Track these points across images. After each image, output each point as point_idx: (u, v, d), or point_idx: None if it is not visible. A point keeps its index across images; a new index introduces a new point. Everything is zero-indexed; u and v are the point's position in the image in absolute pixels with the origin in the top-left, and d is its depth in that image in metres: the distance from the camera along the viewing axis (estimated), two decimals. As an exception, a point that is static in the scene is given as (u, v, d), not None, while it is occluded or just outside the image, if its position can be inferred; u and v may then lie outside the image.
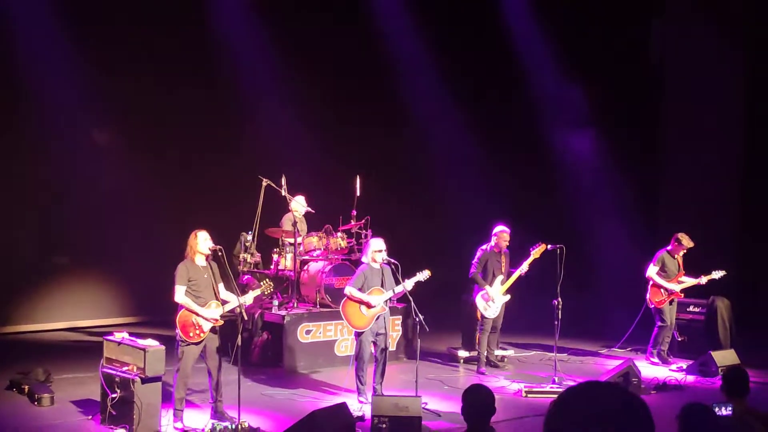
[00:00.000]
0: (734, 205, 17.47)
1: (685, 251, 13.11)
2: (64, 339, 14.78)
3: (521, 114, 18.54)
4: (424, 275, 10.62)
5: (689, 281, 13.18)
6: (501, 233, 12.43)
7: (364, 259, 10.83)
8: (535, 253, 12.17)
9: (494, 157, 18.27)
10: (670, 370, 12.66)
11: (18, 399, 10.49)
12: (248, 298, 9.84)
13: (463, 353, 13.30)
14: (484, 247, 12.57)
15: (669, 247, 13.17)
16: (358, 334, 10.65)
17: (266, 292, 10.24)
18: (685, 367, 12.59)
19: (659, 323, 13.16)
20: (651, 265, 13.14)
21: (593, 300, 16.21)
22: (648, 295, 13.17)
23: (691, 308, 13.97)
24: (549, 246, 11.83)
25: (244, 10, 16.27)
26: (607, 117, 18.20)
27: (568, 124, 18.75)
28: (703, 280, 13.17)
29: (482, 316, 12.48)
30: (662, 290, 13.08)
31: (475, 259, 12.52)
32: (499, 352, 13.04)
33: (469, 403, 5.70)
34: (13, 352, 13.36)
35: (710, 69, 17.40)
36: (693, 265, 13.27)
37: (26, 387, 10.60)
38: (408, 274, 10.59)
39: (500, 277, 12.39)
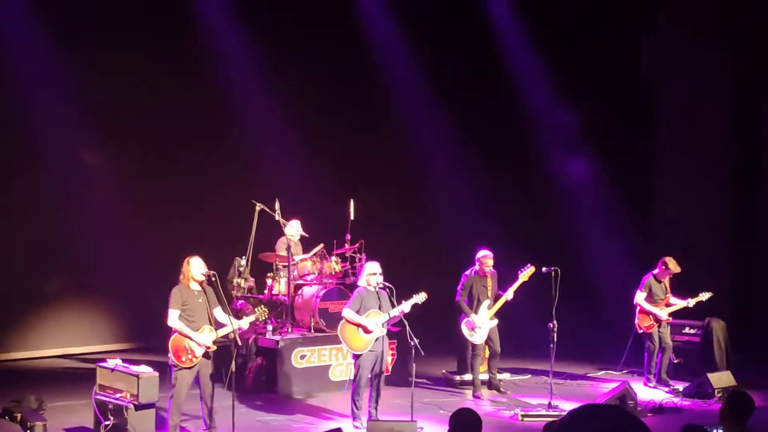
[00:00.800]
0: (728, 223, 17.46)
1: (671, 276, 13.08)
2: (56, 366, 14.68)
3: (515, 135, 18.53)
4: (420, 297, 10.60)
5: (678, 303, 13.15)
6: (483, 258, 12.41)
7: (360, 282, 10.82)
8: (524, 276, 12.12)
9: (488, 180, 18.25)
10: (665, 392, 12.63)
11: (10, 428, 10.35)
12: (244, 323, 9.80)
13: (458, 377, 13.25)
14: (467, 272, 12.56)
15: (655, 271, 13.13)
16: (356, 357, 10.59)
17: (260, 318, 10.21)
18: (681, 389, 12.54)
19: (647, 349, 13.13)
20: (638, 291, 13.11)
21: (588, 322, 16.17)
22: (636, 320, 13.15)
23: (686, 330, 13.94)
24: (544, 269, 11.78)
25: (236, 29, 16.25)
26: (598, 134, 18.20)
27: (560, 144, 18.75)
28: (691, 302, 13.16)
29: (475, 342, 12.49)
30: (650, 316, 13.06)
31: (460, 285, 12.53)
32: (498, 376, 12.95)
33: (455, 427, 5.67)
34: (5, 379, 13.25)
35: (700, 83, 17.42)
36: (688, 284, 13.25)
37: (19, 415, 10.48)
38: (403, 297, 10.56)
39: (486, 302, 12.36)
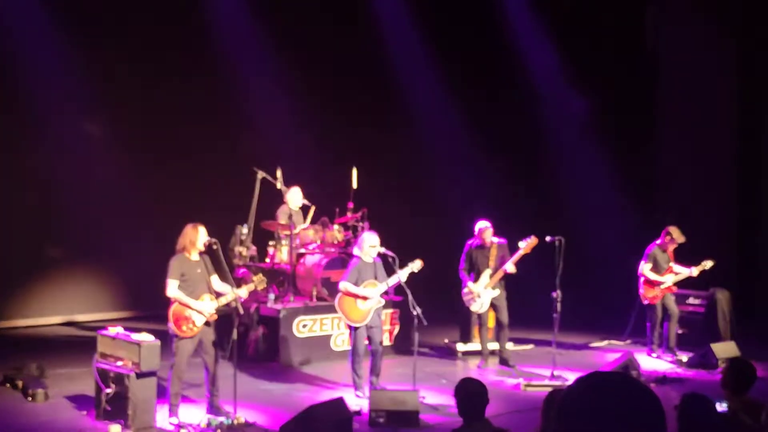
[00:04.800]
0: (732, 195, 17.40)
1: (676, 246, 13.00)
2: (57, 334, 14.69)
3: (516, 106, 18.44)
4: (416, 265, 10.58)
5: (681, 272, 13.08)
6: (480, 230, 12.35)
7: (356, 252, 10.76)
8: (525, 247, 12.01)
9: (490, 150, 18.16)
10: (668, 362, 12.62)
11: (12, 395, 10.42)
12: (243, 292, 9.75)
13: (461, 347, 13.23)
14: (470, 242, 12.51)
15: (659, 242, 13.07)
16: (353, 328, 10.56)
17: (259, 287, 10.16)
18: (685, 359, 12.53)
19: (650, 319, 13.11)
20: (643, 262, 13.05)
21: (592, 292, 16.14)
22: (641, 291, 13.09)
23: (691, 300, 13.92)
24: (548, 238, 11.71)
25: (238, 2, 16.15)
26: (602, 108, 18.07)
27: (563, 115, 18.63)
28: (695, 271, 13.09)
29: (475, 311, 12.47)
30: (655, 287, 13.00)
31: (462, 255, 12.49)
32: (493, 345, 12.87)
33: (461, 398, 5.65)
34: (6, 347, 13.25)
35: (704, 57, 17.30)
36: (690, 256, 13.19)
37: (20, 382, 10.53)
38: (403, 265, 10.52)
39: (487, 272, 12.29)
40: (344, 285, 10.53)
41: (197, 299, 9.25)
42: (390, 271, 10.53)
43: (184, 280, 9.26)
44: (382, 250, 10.54)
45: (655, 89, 18.32)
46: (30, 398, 10.14)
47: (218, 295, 9.42)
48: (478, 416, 5.57)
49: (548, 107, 18.54)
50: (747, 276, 16.43)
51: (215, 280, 9.48)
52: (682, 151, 17.68)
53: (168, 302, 9.33)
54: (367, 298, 10.43)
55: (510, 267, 12.09)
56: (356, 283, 10.47)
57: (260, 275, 10.38)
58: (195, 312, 9.22)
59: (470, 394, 5.65)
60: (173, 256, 9.35)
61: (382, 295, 10.70)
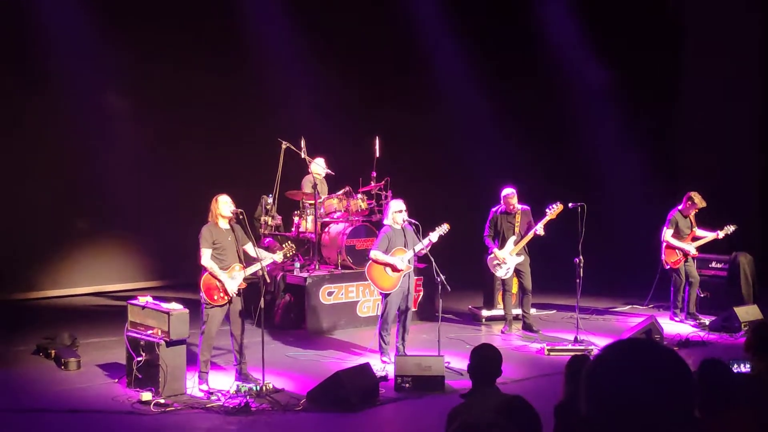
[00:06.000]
0: (755, 159, 17.31)
1: (697, 210, 12.99)
2: (88, 304, 14.91)
3: (539, 75, 18.41)
4: (443, 229, 10.66)
5: (707, 236, 13.09)
6: (505, 197, 12.37)
7: (385, 222, 10.85)
8: (552, 213, 12.01)
9: (513, 118, 18.16)
10: (691, 326, 12.68)
11: (45, 363, 10.61)
12: (278, 257, 9.92)
13: (485, 312, 13.33)
14: (494, 208, 12.56)
15: (681, 207, 13.05)
16: (385, 295, 10.67)
17: (288, 255, 10.29)
18: (707, 323, 12.58)
19: (673, 283, 13.14)
20: (665, 228, 13.05)
21: (614, 258, 16.18)
22: (663, 257, 13.12)
23: (713, 264, 13.93)
24: (570, 204, 11.74)
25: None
26: (623, 74, 17.99)
27: (586, 83, 18.57)
28: (720, 234, 13.08)
29: (500, 277, 12.55)
30: (677, 251, 13.03)
31: (487, 221, 12.54)
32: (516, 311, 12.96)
33: (475, 361, 5.69)
34: (38, 317, 13.49)
35: (729, 16, 17.17)
36: (713, 221, 13.19)
37: (53, 351, 10.71)
38: (428, 232, 10.61)
39: (513, 238, 12.34)
40: (374, 253, 10.63)
41: (227, 268, 9.38)
42: (419, 238, 10.59)
43: (215, 248, 9.39)
44: (406, 216, 10.62)
45: (679, 54, 18.21)
46: (63, 367, 10.31)
47: (247, 264, 9.56)
48: (488, 382, 5.59)
49: (571, 75, 18.49)
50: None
51: (249, 248, 9.60)
52: (705, 117, 17.60)
53: (198, 271, 9.48)
54: (396, 269, 10.53)
55: (540, 229, 12.10)
56: (387, 251, 10.55)
57: (289, 242, 10.51)
58: (225, 281, 9.36)
59: (484, 358, 5.67)
60: (204, 226, 9.48)
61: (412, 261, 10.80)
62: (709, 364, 5.14)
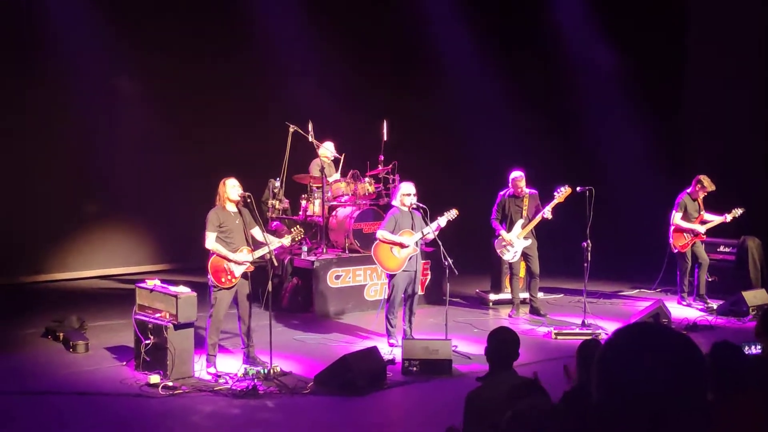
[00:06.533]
0: (763, 142, 17.24)
1: (706, 194, 12.96)
2: (96, 287, 14.96)
3: (548, 59, 18.35)
4: (452, 214, 10.65)
5: (714, 219, 13.06)
6: (514, 180, 12.34)
7: (394, 203, 10.86)
8: (560, 196, 11.98)
9: (520, 102, 18.10)
10: (698, 310, 12.68)
11: (54, 346, 10.65)
12: (286, 240, 9.96)
13: (492, 296, 13.34)
14: (502, 192, 12.54)
15: (689, 190, 13.02)
16: (390, 276, 10.68)
17: (297, 238, 10.31)
18: (715, 307, 12.57)
19: (680, 267, 13.13)
20: (674, 212, 13.02)
21: (621, 242, 16.15)
22: (671, 240, 13.09)
23: (721, 248, 13.91)
24: (578, 188, 11.72)
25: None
26: (631, 58, 17.91)
27: (594, 67, 18.50)
28: (728, 217, 13.04)
29: (507, 261, 12.54)
30: (685, 234, 13.00)
31: (495, 205, 12.53)
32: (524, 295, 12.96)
33: (492, 345, 5.69)
34: (47, 300, 13.55)
35: (736, 6, 17.09)
36: (721, 205, 13.15)
37: (61, 334, 10.75)
38: (438, 215, 10.61)
39: (520, 221, 12.32)
40: (381, 233, 10.65)
41: (235, 251, 9.40)
42: (427, 222, 10.59)
43: (222, 231, 9.40)
44: (415, 200, 10.63)
45: (686, 37, 18.12)
46: (71, 350, 10.35)
47: (257, 247, 9.56)
48: (506, 365, 5.59)
49: (578, 60, 18.43)
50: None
51: (257, 232, 9.60)
52: (712, 101, 17.52)
53: (206, 254, 9.49)
54: (404, 246, 10.54)
55: (548, 212, 12.07)
56: (393, 232, 10.57)
57: (298, 226, 10.52)
58: (233, 263, 9.38)
59: (501, 341, 5.67)
60: (211, 209, 9.49)
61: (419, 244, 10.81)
62: (722, 346, 5.13)
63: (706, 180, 12.85)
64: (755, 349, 6.41)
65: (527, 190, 12.37)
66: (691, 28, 18.04)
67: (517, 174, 12.38)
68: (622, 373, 2.31)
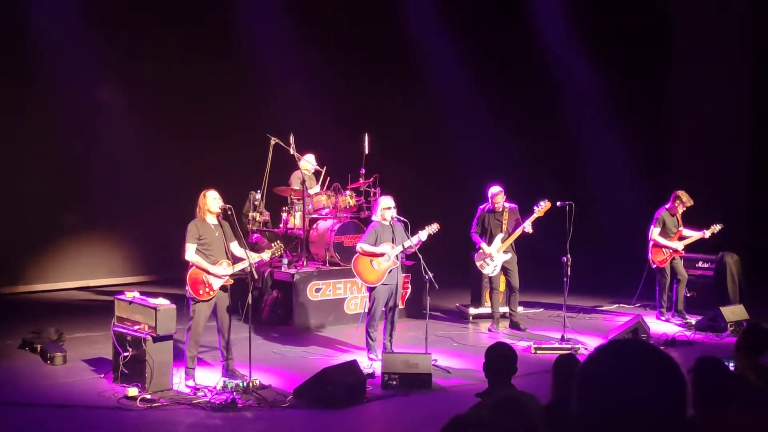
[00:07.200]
0: (742, 160, 17.38)
1: (685, 209, 13.03)
2: (75, 298, 14.88)
3: (529, 74, 18.43)
4: (433, 228, 10.67)
5: (693, 235, 13.13)
6: (493, 195, 12.35)
7: (374, 218, 10.87)
8: (539, 211, 12.00)
9: (501, 116, 18.17)
10: (677, 325, 12.73)
11: (31, 358, 10.58)
12: (266, 255, 9.98)
13: (472, 310, 13.35)
14: (482, 206, 12.56)
15: (668, 206, 13.09)
16: (370, 289, 10.68)
17: (277, 253, 10.30)
18: (693, 323, 12.62)
19: (659, 283, 13.18)
20: (652, 227, 13.08)
21: (600, 257, 16.20)
22: (650, 255, 13.15)
23: (700, 264, 13.97)
24: (558, 203, 11.76)
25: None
26: (612, 75, 18.00)
27: (576, 82, 18.59)
28: (707, 234, 13.11)
29: (487, 275, 12.55)
30: (664, 249, 13.06)
31: (474, 219, 12.55)
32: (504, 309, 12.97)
33: (490, 360, 5.67)
34: (24, 311, 13.48)
35: (718, 17, 17.23)
36: (699, 221, 13.22)
37: (38, 346, 10.68)
38: (418, 230, 10.62)
39: (500, 236, 12.33)
40: (361, 245, 10.65)
41: (215, 264, 9.38)
42: (408, 236, 10.60)
43: (201, 243, 9.37)
44: (395, 213, 10.64)
45: (667, 54, 18.24)
46: (48, 361, 10.29)
47: (236, 260, 9.54)
48: (504, 381, 5.58)
49: (561, 74, 18.52)
50: (756, 239, 16.44)
51: (235, 247, 9.58)
52: (693, 117, 17.66)
53: (185, 266, 9.46)
54: (384, 256, 10.53)
55: (528, 227, 12.09)
56: (374, 246, 10.58)
57: (278, 242, 10.49)
58: (211, 276, 9.35)
59: (499, 357, 5.65)
60: (191, 221, 9.46)
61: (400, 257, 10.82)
62: (706, 362, 5.14)
63: (684, 195, 12.91)
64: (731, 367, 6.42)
65: (506, 205, 12.39)
66: (674, 44, 18.15)
67: (495, 189, 12.40)
68: (602, 390, 2.32)
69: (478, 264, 12.51)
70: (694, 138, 17.58)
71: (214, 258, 9.40)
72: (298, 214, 13.23)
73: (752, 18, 17.28)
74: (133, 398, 8.78)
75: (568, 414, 2.38)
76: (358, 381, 9.22)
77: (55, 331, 11.19)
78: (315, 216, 13.43)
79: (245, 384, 9.10)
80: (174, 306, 9.32)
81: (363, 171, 13.55)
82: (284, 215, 13.48)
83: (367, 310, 10.92)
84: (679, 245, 13.05)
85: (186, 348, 9.44)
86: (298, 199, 13.18)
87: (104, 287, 15.22)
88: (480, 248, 12.40)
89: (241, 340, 9.88)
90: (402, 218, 10.63)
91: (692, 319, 12.78)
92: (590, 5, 17.88)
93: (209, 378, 9.54)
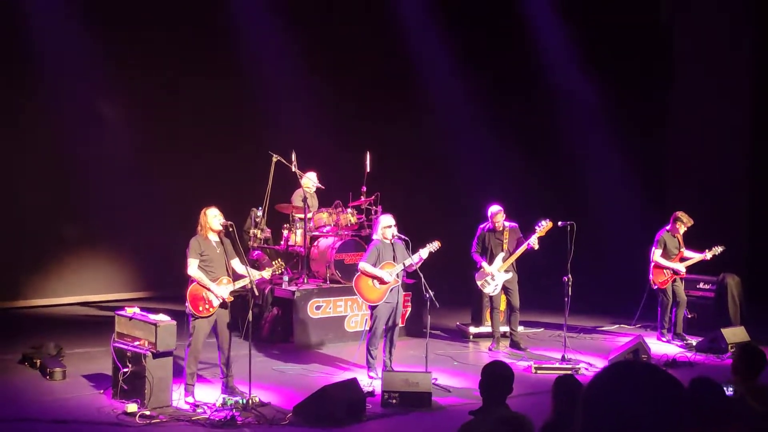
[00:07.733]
0: (743, 179, 17.38)
1: (685, 229, 13.04)
2: (75, 314, 14.85)
3: (529, 92, 18.46)
4: (434, 246, 10.68)
5: (694, 257, 13.13)
6: (492, 215, 12.35)
7: (375, 236, 10.87)
8: (540, 230, 11.99)
9: (502, 135, 18.18)
10: (678, 346, 12.71)
11: (30, 373, 10.56)
12: (267, 274, 9.99)
13: (473, 329, 13.33)
14: (482, 225, 12.56)
15: (668, 227, 13.11)
16: (372, 308, 10.67)
17: (277, 271, 10.30)
18: (694, 344, 12.60)
19: (660, 303, 13.17)
20: (653, 248, 13.07)
21: (601, 277, 16.18)
22: (651, 277, 13.14)
23: (701, 285, 13.95)
24: (560, 222, 11.75)
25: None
26: (613, 92, 17.99)
27: (576, 100, 18.61)
28: (708, 255, 13.11)
29: (488, 294, 12.54)
30: (665, 270, 13.05)
31: (475, 238, 12.55)
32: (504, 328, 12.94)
33: (486, 379, 5.66)
34: (24, 326, 13.45)
35: (719, 32, 17.27)
36: (701, 242, 13.22)
37: (38, 361, 10.67)
38: (419, 248, 10.62)
39: (501, 255, 12.32)
40: (363, 265, 10.65)
41: (215, 280, 9.38)
42: (409, 254, 10.60)
43: (203, 260, 9.38)
44: (396, 231, 10.65)
45: (669, 71, 18.24)
46: (48, 377, 10.27)
47: (236, 277, 9.54)
48: (499, 400, 5.56)
49: (562, 93, 18.53)
50: (757, 261, 16.42)
51: (236, 264, 9.59)
52: (694, 137, 17.66)
53: (185, 282, 9.46)
54: (384, 282, 10.54)
55: (534, 242, 12.01)
56: (375, 264, 10.58)
57: (279, 260, 10.49)
58: (212, 293, 9.35)
59: (495, 376, 5.64)
60: (193, 237, 9.47)
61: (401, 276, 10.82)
62: (700, 382, 5.14)
63: (684, 216, 12.93)
64: (728, 391, 6.40)
65: (507, 224, 12.39)
66: (675, 62, 18.17)
67: (495, 208, 12.40)
68: (607, 412, 2.32)
69: (479, 283, 12.50)
70: (695, 159, 17.57)
71: (215, 275, 9.40)
72: (300, 232, 13.23)
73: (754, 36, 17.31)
74: (132, 414, 8.76)
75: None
76: (358, 399, 9.20)
77: (54, 346, 11.17)
78: (316, 233, 13.44)
79: (245, 401, 9.09)
80: (174, 322, 9.31)
81: (364, 189, 13.57)
82: (285, 232, 13.48)
83: (368, 328, 10.91)
84: (681, 266, 13.05)
85: (186, 364, 9.43)
86: (300, 217, 13.19)
87: (104, 303, 15.18)
88: (481, 267, 12.39)
89: (241, 356, 9.87)
90: (403, 236, 10.65)
91: (693, 341, 12.77)
92: (591, 20, 17.92)
93: (209, 395, 9.52)
